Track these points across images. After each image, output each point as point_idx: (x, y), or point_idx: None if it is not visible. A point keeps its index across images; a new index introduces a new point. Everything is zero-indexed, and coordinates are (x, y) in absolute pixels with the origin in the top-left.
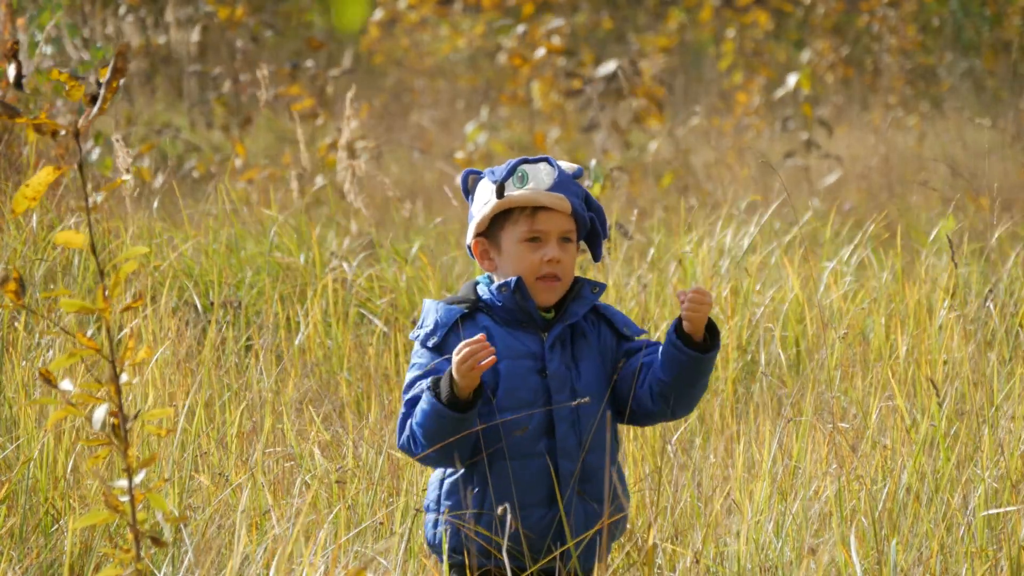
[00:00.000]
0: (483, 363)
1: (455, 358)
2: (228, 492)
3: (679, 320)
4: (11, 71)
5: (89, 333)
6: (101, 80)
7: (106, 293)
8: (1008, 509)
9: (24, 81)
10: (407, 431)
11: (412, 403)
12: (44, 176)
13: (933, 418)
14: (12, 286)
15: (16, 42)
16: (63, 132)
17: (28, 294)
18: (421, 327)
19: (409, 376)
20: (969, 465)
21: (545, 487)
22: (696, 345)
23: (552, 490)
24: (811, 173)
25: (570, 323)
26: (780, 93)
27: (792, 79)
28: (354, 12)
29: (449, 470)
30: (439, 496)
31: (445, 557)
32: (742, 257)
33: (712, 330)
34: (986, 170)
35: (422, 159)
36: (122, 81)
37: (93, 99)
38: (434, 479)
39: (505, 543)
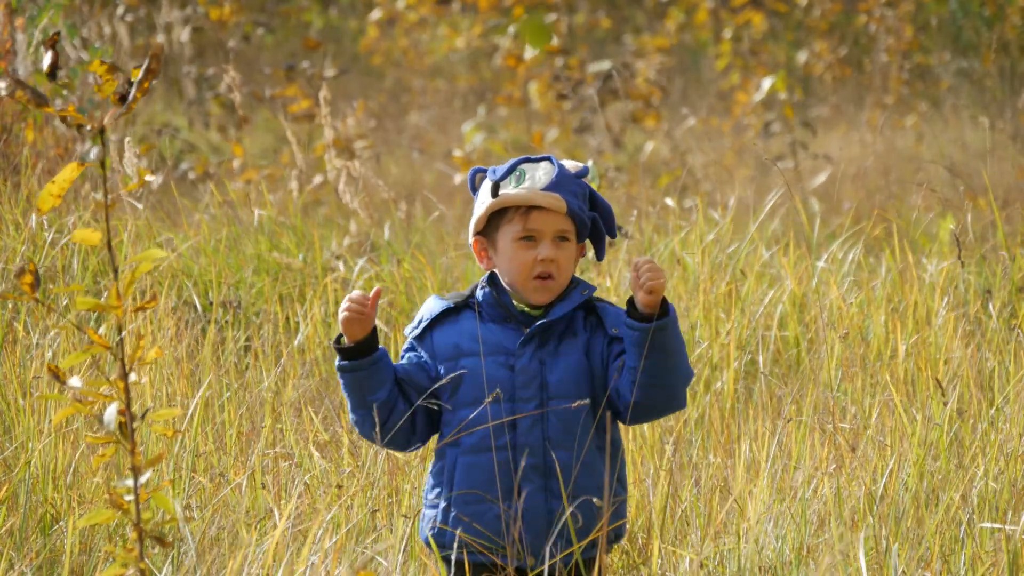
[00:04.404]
0: (344, 311)
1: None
2: (227, 492)
3: (630, 301)
4: (47, 60)
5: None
6: (133, 80)
7: (119, 292)
8: (1010, 528)
9: (60, 73)
10: None
11: None
12: (68, 173)
13: (934, 418)
14: (28, 279)
15: (57, 33)
16: (88, 127)
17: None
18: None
19: None
20: (969, 465)
21: (504, 481)
22: (648, 318)
23: (511, 485)
24: (804, 175)
25: (549, 321)
26: (757, 98)
27: (767, 83)
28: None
29: (433, 461)
30: (425, 490)
31: (435, 550)
32: (741, 256)
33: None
34: (984, 170)
35: (421, 159)
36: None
37: (122, 98)
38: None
39: (509, 536)
